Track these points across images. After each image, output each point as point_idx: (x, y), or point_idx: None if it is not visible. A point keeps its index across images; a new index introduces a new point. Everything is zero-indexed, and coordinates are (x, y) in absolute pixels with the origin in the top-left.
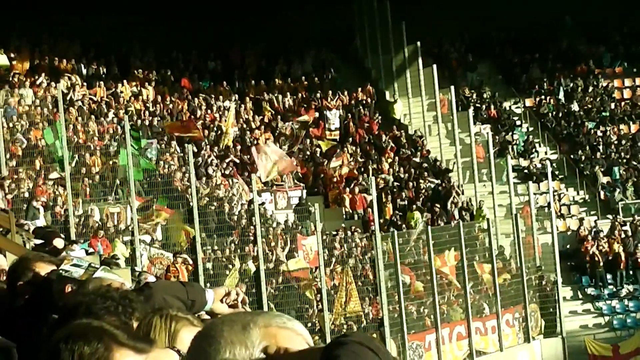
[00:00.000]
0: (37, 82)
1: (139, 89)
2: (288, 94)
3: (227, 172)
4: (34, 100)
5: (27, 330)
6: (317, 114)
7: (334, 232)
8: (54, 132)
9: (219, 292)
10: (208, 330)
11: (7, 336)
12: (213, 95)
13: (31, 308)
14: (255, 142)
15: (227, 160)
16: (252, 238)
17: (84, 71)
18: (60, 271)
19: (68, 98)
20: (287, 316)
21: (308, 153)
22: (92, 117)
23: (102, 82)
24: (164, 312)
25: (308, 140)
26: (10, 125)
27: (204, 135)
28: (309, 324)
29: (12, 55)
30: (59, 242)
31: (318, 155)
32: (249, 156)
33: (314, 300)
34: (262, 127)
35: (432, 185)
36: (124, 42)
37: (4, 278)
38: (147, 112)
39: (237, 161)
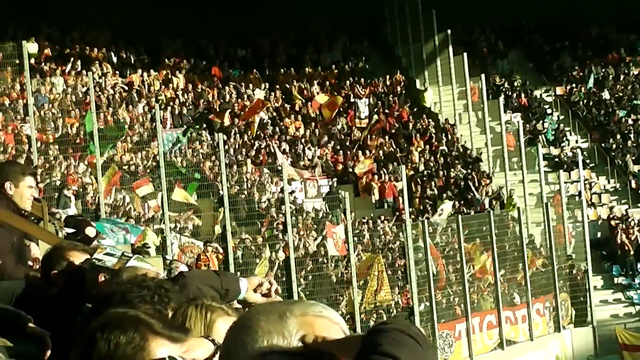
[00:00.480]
0: (67, 71)
1: (169, 77)
2: (317, 82)
3: (257, 160)
4: (64, 89)
5: (60, 318)
6: (344, 101)
7: (364, 220)
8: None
9: (253, 281)
10: (244, 320)
11: (41, 325)
12: (243, 84)
13: (65, 297)
14: (285, 129)
15: (254, 149)
16: (282, 227)
17: (114, 59)
18: (94, 260)
19: (98, 86)
20: (323, 305)
21: (339, 142)
22: (123, 105)
23: (132, 70)
24: (199, 301)
25: (339, 127)
26: (42, 113)
27: (233, 123)
28: (339, 313)
29: (43, 44)
30: (90, 231)
31: (348, 144)
32: (279, 144)
33: (344, 289)
34: (292, 115)
35: (462, 174)
36: (154, 31)
37: (38, 267)
38: (177, 101)
39: (267, 149)
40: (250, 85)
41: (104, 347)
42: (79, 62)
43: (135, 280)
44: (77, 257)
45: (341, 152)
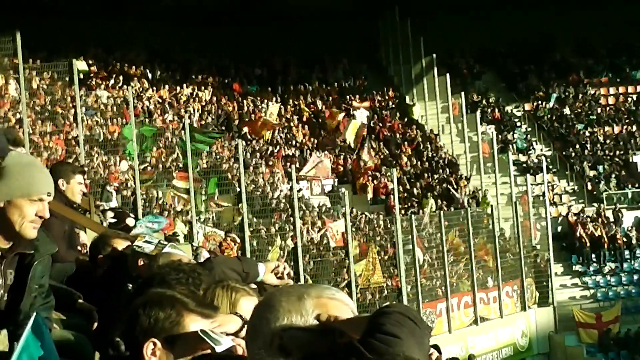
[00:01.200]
0: (111, 85)
1: (196, 91)
2: (323, 96)
3: (270, 163)
4: (108, 100)
5: (105, 296)
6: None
7: (361, 214)
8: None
9: (270, 266)
10: (268, 300)
11: (89, 301)
12: (259, 98)
13: (109, 278)
14: (293, 137)
15: (269, 152)
16: (291, 219)
17: (150, 75)
18: (134, 247)
19: (137, 98)
20: (336, 289)
21: (339, 147)
22: (157, 115)
23: (165, 85)
24: (224, 283)
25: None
26: (89, 121)
27: (250, 131)
28: None
29: (90, 62)
30: (130, 221)
31: (348, 149)
32: (292, 151)
33: (344, 272)
34: (300, 125)
35: (444, 177)
36: (184, 51)
37: (86, 251)
38: (205, 112)
39: (280, 153)
40: (266, 99)
41: (145, 322)
42: (120, 78)
43: (172, 264)
44: (120, 244)
45: (342, 155)
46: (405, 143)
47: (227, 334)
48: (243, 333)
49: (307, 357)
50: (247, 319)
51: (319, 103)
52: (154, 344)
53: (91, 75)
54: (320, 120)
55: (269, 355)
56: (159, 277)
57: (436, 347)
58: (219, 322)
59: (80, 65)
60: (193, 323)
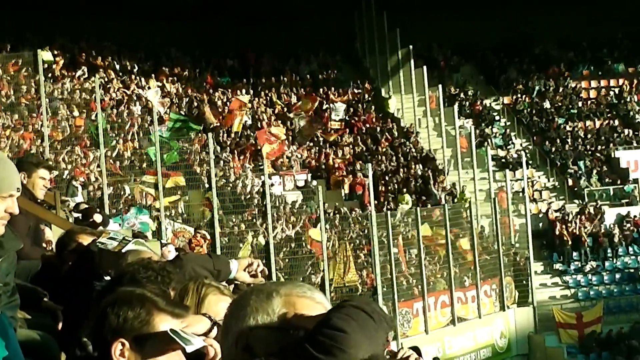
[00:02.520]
0: (77, 76)
1: (166, 83)
2: (295, 89)
3: (241, 157)
4: (73, 91)
5: (71, 295)
6: (319, 105)
7: (335, 211)
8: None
9: (243, 263)
10: (239, 299)
11: (55, 299)
12: (230, 90)
13: (75, 275)
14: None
15: (240, 148)
16: (263, 215)
17: (117, 67)
18: (98, 243)
19: (103, 90)
20: (309, 286)
21: (314, 141)
22: (124, 107)
23: (133, 77)
24: (199, 280)
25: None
26: (53, 113)
27: (221, 123)
28: None
29: (56, 52)
30: (98, 217)
31: (322, 143)
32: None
33: (318, 270)
34: (273, 118)
35: (421, 172)
36: (154, 42)
37: (51, 248)
38: (174, 104)
39: (250, 147)
40: (237, 91)
41: (114, 321)
42: (86, 69)
43: (142, 262)
44: (86, 240)
45: (316, 149)
46: (382, 137)
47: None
48: (213, 334)
49: (268, 356)
50: (215, 320)
51: (293, 95)
52: (123, 344)
53: (54, 66)
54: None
55: (236, 355)
56: (128, 275)
57: (416, 348)
58: (187, 323)
59: (45, 55)
60: (163, 323)
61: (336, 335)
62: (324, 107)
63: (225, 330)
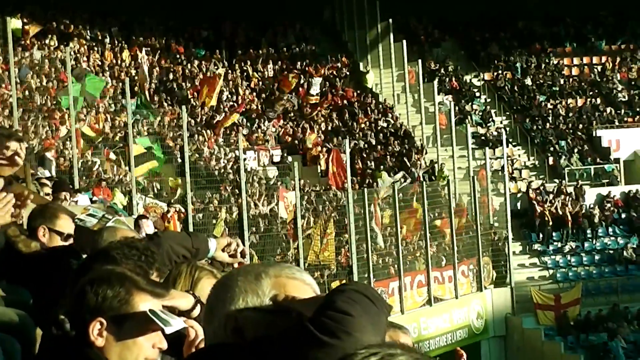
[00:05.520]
0: (47, 43)
1: (138, 53)
2: (272, 62)
3: (215, 131)
4: (44, 60)
5: (45, 272)
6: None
7: (313, 188)
8: (64, 92)
9: (222, 242)
10: (225, 279)
11: (24, 277)
12: (204, 62)
13: (49, 252)
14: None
15: (214, 122)
16: (237, 191)
17: (89, 36)
18: (76, 220)
19: (74, 60)
20: (297, 267)
21: (290, 115)
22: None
23: (105, 47)
24: (191, 263)
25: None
26: (24, 83)
27: (196, 97)
28: None
29: (26, 20)
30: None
31: (298, 118)
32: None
33: (292, 248)
34: (248, 92)
35: (398, 149)
36: (127, 12)
37: (21, 222)
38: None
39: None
40: (212, 63)
41: (93, 300)
42: (55, 38)
43: (126, 241)
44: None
45: (290, 125)
46: (360, 113)
47: (179, 312)
48: (195, 313)
49: (260, 339)
50: (199, 298)
51: (269, 68)
52: (101, 323)
53: (25, 35)
54: (272, 87)
55: (225, 338)
56: (108, 252)
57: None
58: (170, 296)
59: (14, 23)
60: (143, 302)
61: (342, 318)
62: (302, 81)
63: (209, 312)
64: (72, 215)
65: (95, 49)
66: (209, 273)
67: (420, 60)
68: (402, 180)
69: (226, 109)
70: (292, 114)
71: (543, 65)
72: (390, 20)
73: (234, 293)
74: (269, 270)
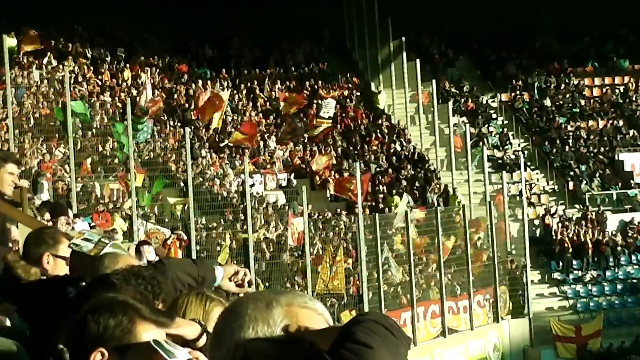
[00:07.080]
0: (45, 64)
1: (140, 73)
2: (279, 82)
3: (221, 155)
4: (41, 80)
5: (41, 300)
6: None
7: (321, 214)
8: (63, 111)
9: (228, 270)
10: (234, 307)
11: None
12: (209, 81)
13: (46, 277)
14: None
15: (221, 145)
16: (242, 216)
17: (89, 55)
18: (72, 244)
19: (73, 80)
20: (310, 296)
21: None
22: (95, 98)
23: (105, 66)
24: (199, 291)
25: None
26: (20, 104)
27: (198, 117)
28: None
29: (21, 38)
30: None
31: (306, 140)
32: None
33: (299, 276)
34: (254, 112)
35: (412, 173)
36: (128, 30)
37: (18, 248)
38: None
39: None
40: (217, 83)
41: (94, 329)
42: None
43: (132, 269)
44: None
45: (298, 148)
46: (371, 135)
47: (184, 342)
48: (201, 342)
49: None
50: (206, 327)
51: (276, 89)
52: (102, 354)
53: (22, 53)
54: (279, 107)
55: None
56: (106, 279)
57: None
58: (176, 325)
59: (10, 41)
60: (146, 332)
61: (361, 350)
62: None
63: (216, 340)
64: (68, 238)
65: (93, 67)
66: (219, 303)
67: (434, 81)
68: (407, 204)
69: (232, 130)
70: (301, 137)
71: (563, 86)
72: (403, 38)
73: (243, 321)
74: (281, 299)
